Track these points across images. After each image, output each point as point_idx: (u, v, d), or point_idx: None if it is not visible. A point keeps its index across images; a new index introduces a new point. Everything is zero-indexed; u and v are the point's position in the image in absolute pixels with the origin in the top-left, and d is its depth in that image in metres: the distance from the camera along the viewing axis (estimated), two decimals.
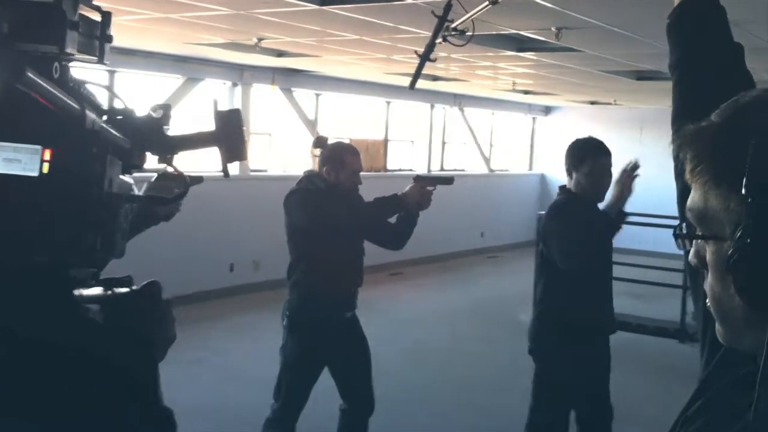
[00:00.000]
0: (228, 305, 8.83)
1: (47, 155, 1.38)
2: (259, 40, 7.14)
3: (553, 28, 5.88)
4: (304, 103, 11.15)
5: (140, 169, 1.67)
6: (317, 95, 11.45)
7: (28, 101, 1.32)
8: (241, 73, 9.92)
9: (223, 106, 1.78)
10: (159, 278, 1.59)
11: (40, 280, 1.35)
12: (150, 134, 1.65)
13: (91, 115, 1.47)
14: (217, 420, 5.49)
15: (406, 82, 11.66)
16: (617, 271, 9.72)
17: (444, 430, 5.48)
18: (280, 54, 8.41)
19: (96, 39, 1.58)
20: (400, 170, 13.07)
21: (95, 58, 1.59)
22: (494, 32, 6.44)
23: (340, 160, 4.13)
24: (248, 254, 9.49)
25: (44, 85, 1.32)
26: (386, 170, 12.50)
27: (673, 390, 6.64)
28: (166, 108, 1.73)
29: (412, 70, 9.70)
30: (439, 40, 3.83)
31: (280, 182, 10.82)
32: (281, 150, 11.16)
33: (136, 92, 9.24)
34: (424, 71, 10.01)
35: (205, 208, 8.26)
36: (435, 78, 10.51)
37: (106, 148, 1.47)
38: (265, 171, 10.68)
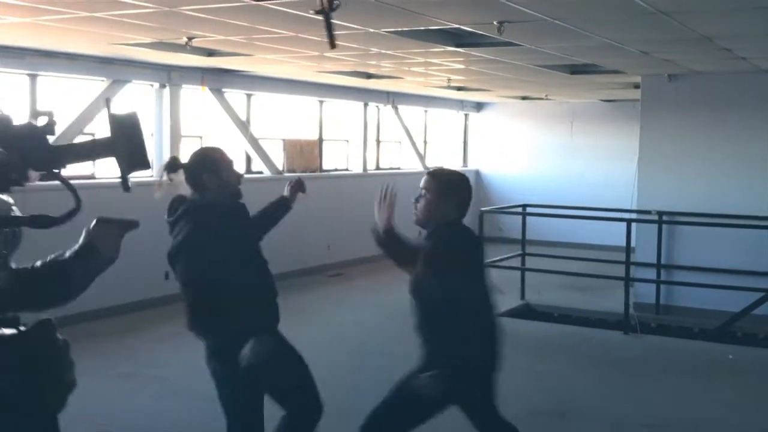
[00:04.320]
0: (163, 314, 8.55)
1: None
2: (189, 39, 6.89)
3: (495, 22, 5.80)
4: (235, 104, 10.90)
5: (20, 185, 1.46)
6: (249, 96, 11.21)
7: None
8: (169, 74, 9.62)
9: (126, 109, 1.57)
10: (96, 289, 1.41)
11: None
12: (31, 145, 1.45)
13: None
14: None
15: (340, 81, 11.57)
16: (561, 265, 9.85)
17: None
18: (210, 53, 8.17)
19: None
20: (335, 170, 12.91)
21: None
22: (433, 27, 6.34)
23: (212, 161, 3.72)
24: None
25: None
26: (321, 170, 12.33)
27: (614, 380, 6.68)
28: (49, 114, 1.54)
29: (346, 68, 9.58)
30: None
31: None
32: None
33: (57, 97, 8.86)
34: (357, 68, 9.88)
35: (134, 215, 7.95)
36: (368, 75, 10.39)
37: None
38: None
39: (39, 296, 1.65)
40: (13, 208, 1.53)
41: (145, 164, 1.56)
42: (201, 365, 3.64)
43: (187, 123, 10.13)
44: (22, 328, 1.41)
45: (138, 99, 9.59)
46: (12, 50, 7.82)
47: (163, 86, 9.72)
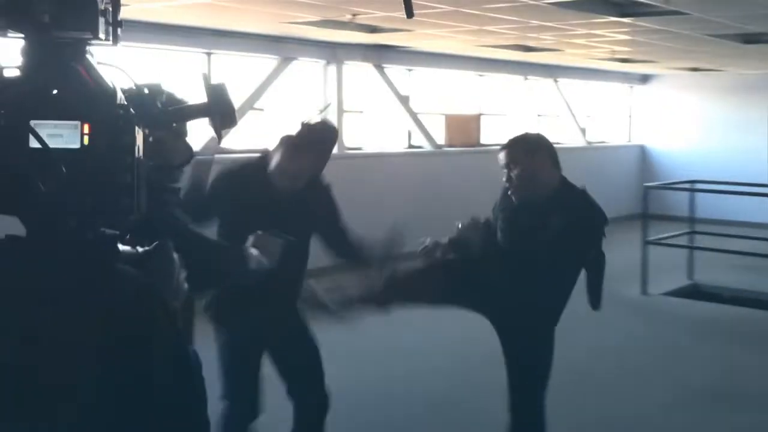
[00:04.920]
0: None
1: (86, 129, 1.54)
2: (353, 15, 7.09)
3: None
4: (396, 80, 11.09)
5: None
6: (409, 71, 11.37)
7: (67, 82, 1.55)
8: (334, 52, 9.93)
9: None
10: None
11: (82, 246, 1.48)
12: (145, 110, 1.74)
13: (120, 92, 1.62)
14: None
15: (499, 54, 11.49)
16: (733, 244, 9.39)
17: None
18: (372, 30, 8.36)
19: (109, 24, 1.70)
20: (495, 145, 12.85)
21: (110, 42, 1.71)
22: None
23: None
24: None
25: (93, 66, 1.58)
26: (480, 145, 12.34)
27: None
28: (157, 86, 1.82)
29: (506, 42, 9.45)
30: None
31: (374, 159, 10.87)
32: (375, 128, 11.14)
33: (232, 73, 9.34)
34: (517, 42, 9.76)
35: None
36: (528, 49, 10.27)
37: (133, 120, 1.60)
38: (359, 149, 10.69)
39: None
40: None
41: (234, 122, 1.85)
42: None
43: (350, 98, 10.43)
44: (147, 247, 1.70)
45: (304, 76, 9.97)
46: (190, 30, 8.31)
47: (328, 63, 10.04)
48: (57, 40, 1.58)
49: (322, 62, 10.04)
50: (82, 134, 1.54)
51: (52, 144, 1.51)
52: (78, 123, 1.55)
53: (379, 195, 9.70)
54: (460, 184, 10.77)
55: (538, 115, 13.81)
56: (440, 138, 11.69)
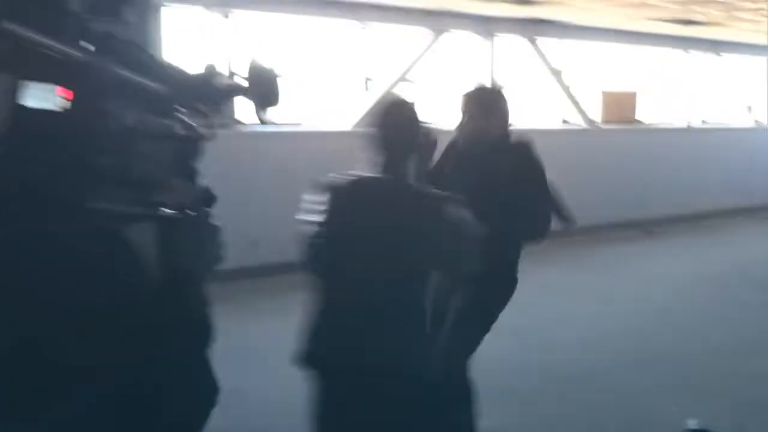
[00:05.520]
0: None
1: (61, 92, 1.72)
2: None
3: None
4: (549, 54, 10.84)
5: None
6: (563, 45, 11.09)
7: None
8: (487, 25, 9.82)
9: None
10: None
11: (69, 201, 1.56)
12: (198, 88, 2.03)
13: (98, 63, 1.81)
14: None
15: (656, 28, 10.97)
16: None
17: (699, 398, 5.14)
18: (525, 2, 8.21)
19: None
20: (651, 123, 12.37)
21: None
22: None
23: None
24: None
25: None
26: (636, 122, 11.90)
27: None
28: (212, 67, 2.14)
29: (667, 15, 9.06)
30: None
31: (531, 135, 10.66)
32: (527, 103, 10.96)
33: (382, 47, 9.44)
34: (679, 15, 9.33)
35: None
36: (687, 22, 9.76)
37: (108, 89, 1.79)
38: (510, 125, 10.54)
39: None
40: (177, 128, 2.03)
41: (275, 103, 2.15)
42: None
43: (502, 72, 10.30)
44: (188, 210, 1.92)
45: (457, 49, 9.92)
46: (344, 3, 8.45)
47: (480, 36, 9.95)
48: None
49: (474, 35, 9.96)
50: (57, 96, 1.76)
51: (37, 105, 1.70)
52: (54, 87, 1.76)
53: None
54: (615, 163, 10.47)
55: (698, 92, 13.14)
56: (595, 115, 11.36)
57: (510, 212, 3.39)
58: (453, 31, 9.69)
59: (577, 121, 11.14)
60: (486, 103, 3.74)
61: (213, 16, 7.81)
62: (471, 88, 3.77)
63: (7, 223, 1.35)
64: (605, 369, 5.51)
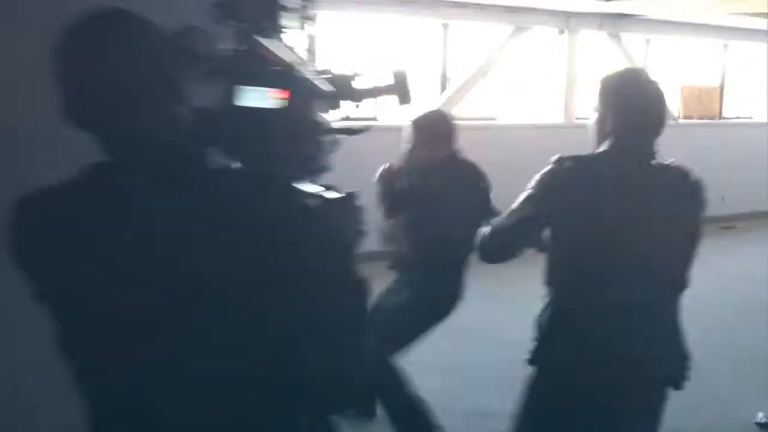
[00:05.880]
0: None
1: (279, 95, 2.04)
2: None
3: None
4: (633, 49, 10.84)
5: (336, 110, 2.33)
6: (647, 40, 11.06)
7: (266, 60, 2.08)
8: (567, 21, 9.90)
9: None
10: None
11: (277, 185, 1.71)
12: (343, 87, 2.29)
13: (302, 69, 2.15)
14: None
15: (744, 23, 10.81)
16: None
17: None
18: None
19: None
20: (737, 118, 12.21)
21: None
22: None
23: None
24: None
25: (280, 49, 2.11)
26: (721, 118, 11.77)
27: None
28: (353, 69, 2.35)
29: (760, 9, 8.90)
30: None
31: None
32: None
33: (467, 44, 9.61)
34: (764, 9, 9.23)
35: (536, 152, 8.38)
36: None
37: (310, 91, 2.13)
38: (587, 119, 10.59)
39: None
40: (331, 124, 2.26)
41: (408, 102, 2.35)
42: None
43: (582, 68, 10.35)
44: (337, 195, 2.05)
45: (536, 46, 10.03)
46: (426, 2, 8.66)
47: (561, 32, 10.03)
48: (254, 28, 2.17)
49: (555, 31, 10.04)
50: (275, 99, 2.05)
51: (256, 104, 2.04)
52: (270, 90, 2.07)
53: None
54: (695, 159, 10.37)
55: None
56: (675, 110, 11.30)
57: (449, 233, 3.61)
58: (534, 27, 9.80)
59: None
60: (431, 129, 3.94)
61: None
62: (416, 115, 3.99)
63: (235, 205, 1.52)
64: None
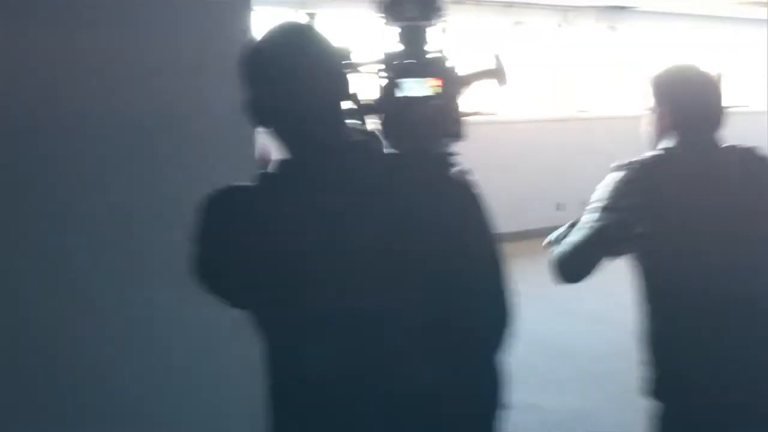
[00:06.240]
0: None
1: (435, 83, 2.44)
2: None
3: None
4: (631, 42, 10.85)
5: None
6: (643, 33, 11.07)
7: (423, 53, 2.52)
8: (565, 14, 9.92)
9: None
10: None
11: (431, 161, 1.91)
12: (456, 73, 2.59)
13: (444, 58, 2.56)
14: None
15: (742, 12, 10.70)
16: None
17: None
18: None
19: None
20: (737, 106, 12.18)
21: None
22: None
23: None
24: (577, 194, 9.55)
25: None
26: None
27: None
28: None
29: None
30: None
31: (605, 122, 10.72)
32: (608, 90, 11.01)
33: (466, 41, 9.62)
34: None
35: (535, 147, 8.45)
36: None
37: (453, 78, 2.56)
38: (584, 112, 10.65)
39: None
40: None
41: (507, 82, 2.65)
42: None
43: (580, 62, 10.39)
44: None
45: (533, 39, 10.06)
46: None
47: (558, 26, 10.05)
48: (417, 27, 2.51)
49: (553, 25, 10.07)
50: (431, 87, 2.43)
51: (414, 93, 2.42)
52: (427, 79, 2.45)
53: (614, 158, 9.68)
54: None
55: None
56: None
57: None
58: (532, 22, 9.83)
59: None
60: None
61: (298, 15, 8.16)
62: None
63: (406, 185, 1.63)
64: None
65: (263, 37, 1.65)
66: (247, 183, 1.64)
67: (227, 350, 2.74)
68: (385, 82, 2.42)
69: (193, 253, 1.63)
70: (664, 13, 10.62)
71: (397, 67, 2.42)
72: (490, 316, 1.68)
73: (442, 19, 2.60)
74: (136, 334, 2.66)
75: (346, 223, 1.56)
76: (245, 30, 2.71)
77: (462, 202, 1.66)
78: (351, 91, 1.70)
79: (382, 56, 2.48)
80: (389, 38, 2.49)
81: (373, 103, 2.39)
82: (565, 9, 9.78)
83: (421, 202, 1.59)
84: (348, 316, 1.56)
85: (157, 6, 2.64)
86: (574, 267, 2.37)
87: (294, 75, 1.60)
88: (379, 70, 2.44)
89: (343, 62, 1.84)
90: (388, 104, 2.33)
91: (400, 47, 2.49)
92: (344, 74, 1.69)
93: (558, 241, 2.45)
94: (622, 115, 10.86)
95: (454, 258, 1.60)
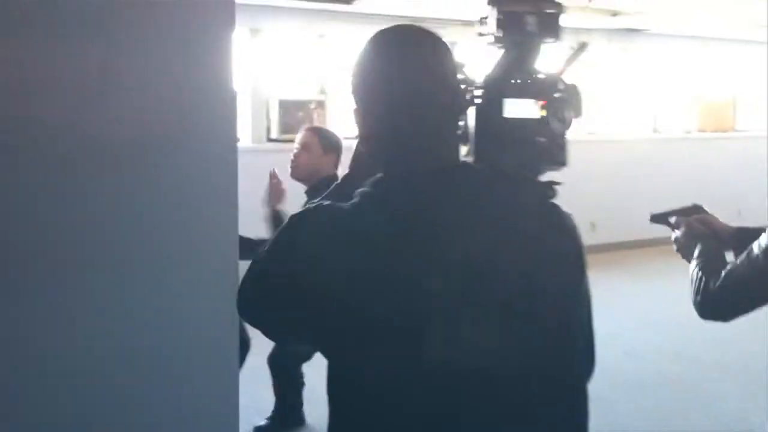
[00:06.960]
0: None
1: (542, 105, 2.34)
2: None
3: None
4: (643, 63, 10.80)
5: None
6: (655, 54, 11.01)
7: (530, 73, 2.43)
8: (576, 35, 9.88)
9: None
10: None
11: (532, 185, 1.82)
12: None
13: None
14: None
15: (754, 36, 10.63)
16: None
17: None
18: (614, 14, 8.26)
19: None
20: (751, 130, 12.07)
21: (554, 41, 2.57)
22: None
23: None
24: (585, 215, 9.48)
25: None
26: (735, 131, 11.66)
27: None
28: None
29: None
30: None
31: (614, 144, 10.64)
32: (618, 113, 10.96)
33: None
34: None
35: None
36: None
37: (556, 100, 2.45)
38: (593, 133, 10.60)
39: None
40: None
41: (581, 114, 2.49)
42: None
43: (593, 84, 10.33)
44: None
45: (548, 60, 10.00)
46: (434, 21, 8.69)
47: (571, 48, 10.01)
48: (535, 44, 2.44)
49: (565, 47, 10.02)
50: (540, 108, 2.31)
51: (520, 115, 2.30)
52: (534, 101, 2.34)
53: (622, 180, 9.65)
54: (712, 172, 10.34)
55: None
56: (689, 124, 11.23)
57: None
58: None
59: (671, 130, 11.05)
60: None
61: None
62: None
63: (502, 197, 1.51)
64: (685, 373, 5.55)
65: (379, 42, 1.49)
66: (341, 203, 1.45)
67: (227, 350, 2.74)
68: (481, 101, 2.26)
69: (264, 274, 1.45)
70: (678, 36, 10.56)
71: (504, 86, 2.28)
72: (591, 358, 1.57)
73: (558, 39, 2.48)
74: (136, 334, 2.63)
75: (471, 252, 1.38)
76: (228, 48, 2.70)
77: (577, 234, 1.52)
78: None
79: (481, 75, 2.35)
80: (478, 58, 2.42)
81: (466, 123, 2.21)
82: (577, 31, 9.75)
83: (546, 236, 1.46)
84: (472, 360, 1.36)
85: (142, 15, 2.63)
86: (735, 303, 2.26)
87: (419, 88, 1.45)
88: (476, 88, 2.29)
89: (459, 75, 1.72)
90: (489, 125, 2.16)
91: (506, 66, 2.37)
92: (462, 89, 1.62)
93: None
94: (632, 138, 10.83)
95: (575, 295, 1.50)
